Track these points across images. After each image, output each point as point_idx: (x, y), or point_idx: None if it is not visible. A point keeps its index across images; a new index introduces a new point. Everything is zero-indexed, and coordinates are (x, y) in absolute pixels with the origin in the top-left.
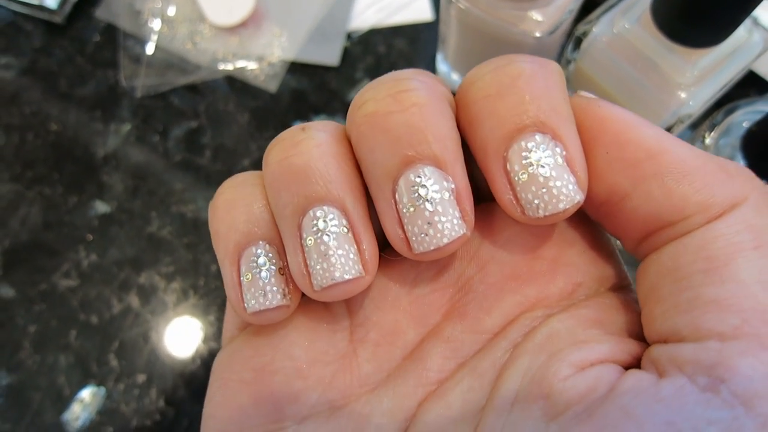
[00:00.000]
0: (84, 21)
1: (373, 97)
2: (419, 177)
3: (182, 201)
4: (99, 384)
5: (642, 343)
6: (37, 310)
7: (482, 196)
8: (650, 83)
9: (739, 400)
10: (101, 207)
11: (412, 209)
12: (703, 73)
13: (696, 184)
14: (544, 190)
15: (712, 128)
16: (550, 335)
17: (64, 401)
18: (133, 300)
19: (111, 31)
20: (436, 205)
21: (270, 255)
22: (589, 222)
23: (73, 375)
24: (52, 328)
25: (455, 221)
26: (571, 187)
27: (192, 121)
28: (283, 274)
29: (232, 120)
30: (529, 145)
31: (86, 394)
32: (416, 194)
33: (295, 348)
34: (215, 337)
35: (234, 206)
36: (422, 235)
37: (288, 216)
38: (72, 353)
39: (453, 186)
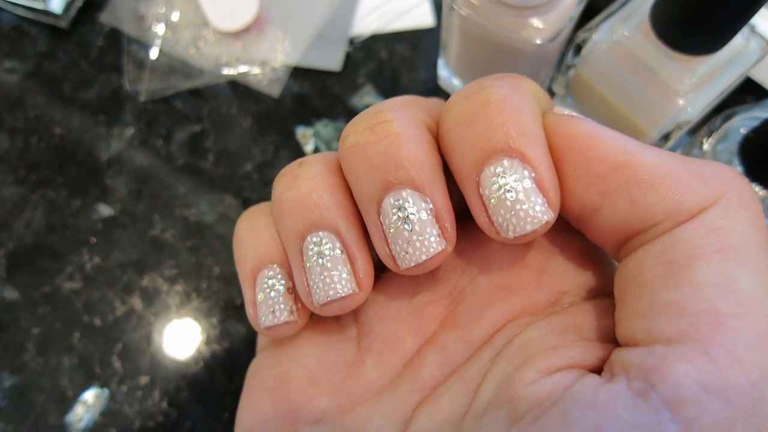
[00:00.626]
0: (88, 25)
1: (354, 131)
2: (398, 200)
3: (185, 204)
4: (102, 386)
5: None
6: (41, 312)
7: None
8: (649, 90)
9: (666, 406)
10: (105, 210)
11: (393, 230)
12: (701, 80)
13: (662, 191)
14: (512, 212)
15: (710, 134)
16: (526, 342)
17: (67, 403)
18: (136, 302)
19: (115, 36)
20: (414, 225)
21: (279, 276)
22: (577, 230)
23: (77, 377)
24: (56, 330)
25: (433, 239)
26: (538, 208)
27: (195, 125)
28: (291, 293)
29: (235, 124)
30: (498, 170)
31: (89, 395)
32: (396, 216)
33: (309, 358)
34: (217, 339)
35: (249, 235)
36: (403, 253)
37: (291, 241)
38: (75, 355)
39: (431, 206)
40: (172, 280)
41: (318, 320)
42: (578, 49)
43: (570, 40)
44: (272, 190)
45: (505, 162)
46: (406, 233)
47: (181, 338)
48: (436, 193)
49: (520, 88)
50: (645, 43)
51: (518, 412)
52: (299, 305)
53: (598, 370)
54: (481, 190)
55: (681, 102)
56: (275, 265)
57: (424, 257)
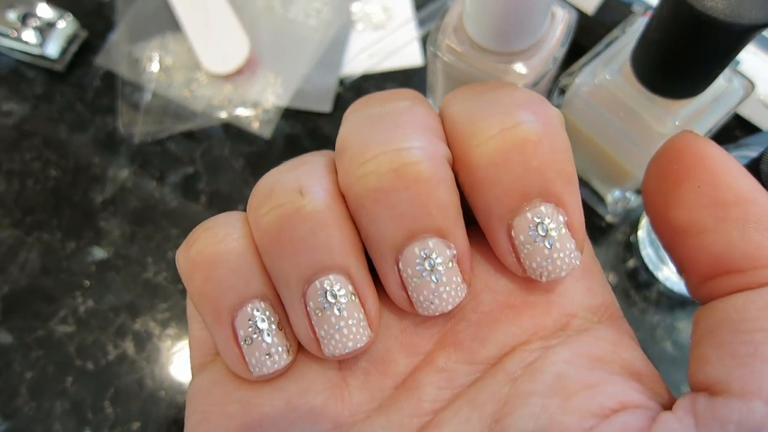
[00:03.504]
0: (84, 68)
1: (375, 171)
2: (424, 250)
3: (178, 247)
4: (94, 431)
5: (639, 383)
6: (34, 356)
7: (472, 219)
8: (633, 132)
9: None
10: (98, 253)
11: (417, 280)
12: (685, 122)
13: None
14: (549, 260)
15: None
16: (557, 376)
17: None
18: (129, 346)
19: (110, 78)
20: (440, 277)
21: (267, 313)
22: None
23: (69, 422)
24: (49, 374)
25: (458, 288)
26: (572, 255)
27: (188, 167)
28: (281, 329)
29: (228, 166)
30: (535, 218)
31: None
32: (421, 266)
33: (283, 379)
34: None
35: (222, 263)
36: (427, 303)
37: (291, 284)
38: (68, 400)
39: (455, 252)
40: (164, 323)
41: None
42: (562, 91)
43: (556, 77)
44: (256, 212)
45: (543, 208)
46: (432, 285)
47: (173, 383)
48: (459, 237)
49: (551, 120)
50: (627, 86)
51: None
52: (291, 339)
53: (637, 408)
54: (513, 233)
55: None
56: (259, 301)
57: (450, 307)
